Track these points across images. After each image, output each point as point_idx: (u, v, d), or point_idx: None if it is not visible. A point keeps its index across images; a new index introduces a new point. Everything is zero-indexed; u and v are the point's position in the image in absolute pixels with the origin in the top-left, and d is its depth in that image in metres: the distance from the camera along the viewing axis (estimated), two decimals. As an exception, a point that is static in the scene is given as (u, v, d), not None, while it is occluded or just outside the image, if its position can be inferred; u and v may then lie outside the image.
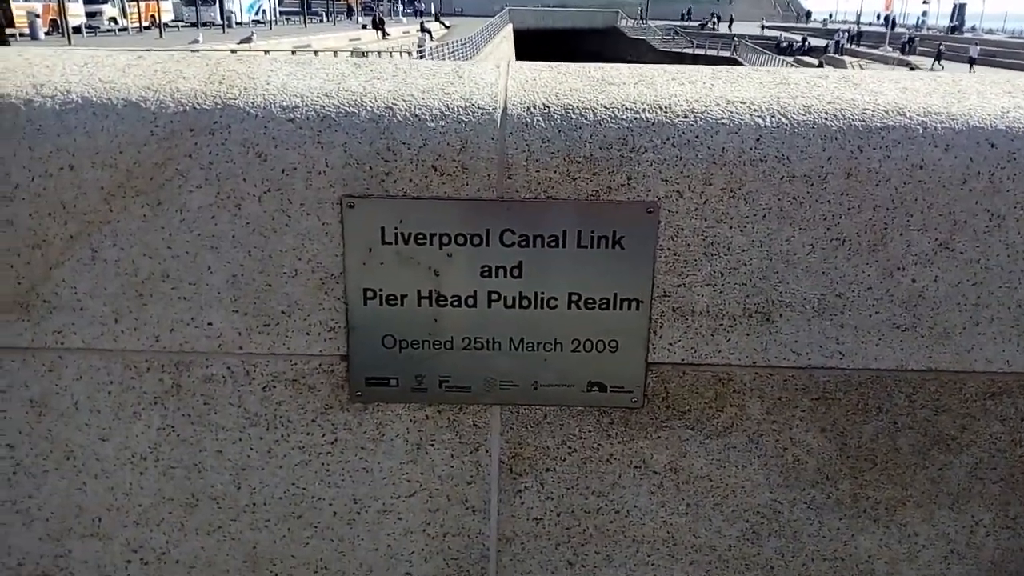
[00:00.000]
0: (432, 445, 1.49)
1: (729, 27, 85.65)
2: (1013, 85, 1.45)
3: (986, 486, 1.52)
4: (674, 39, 75.90)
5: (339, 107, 1.29)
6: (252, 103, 1.30)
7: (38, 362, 1.40)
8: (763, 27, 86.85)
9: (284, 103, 1.30)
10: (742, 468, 1.51)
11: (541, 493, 1.53)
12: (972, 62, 45.97)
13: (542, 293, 1.38)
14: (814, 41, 66.49)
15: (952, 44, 59.48)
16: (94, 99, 1.29)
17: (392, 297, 1.38)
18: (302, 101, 1.30)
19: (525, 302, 1.39)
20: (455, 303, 1.38)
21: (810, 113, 1.32)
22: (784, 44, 64.96)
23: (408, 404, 1.46)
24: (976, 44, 54.42)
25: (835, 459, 1.50)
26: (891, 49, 60.36)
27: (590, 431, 1.49)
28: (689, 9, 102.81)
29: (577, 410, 1.48)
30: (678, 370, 1.44)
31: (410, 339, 1.41)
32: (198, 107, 1.29)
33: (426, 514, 1.54)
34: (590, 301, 1.39)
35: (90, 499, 1.50)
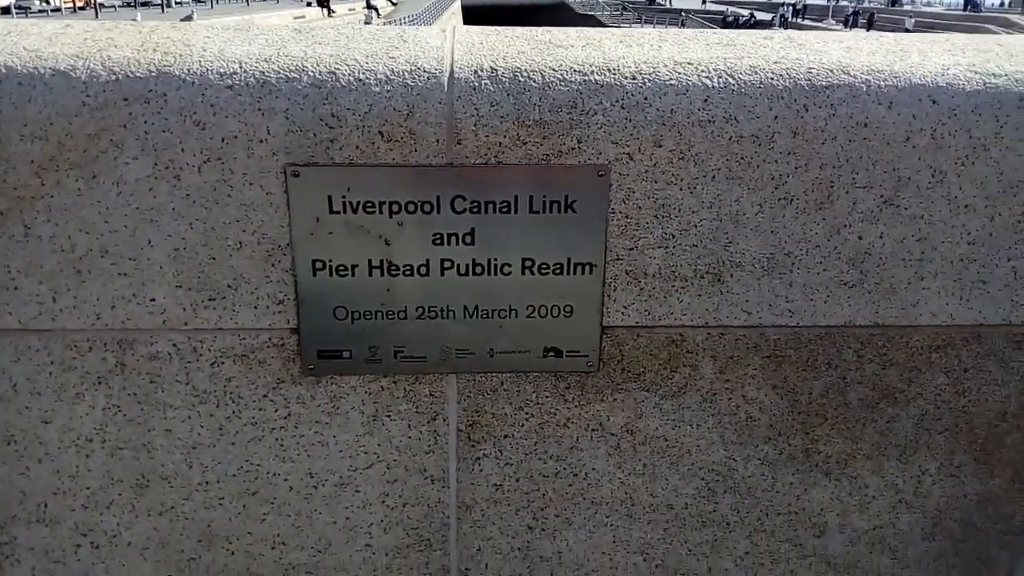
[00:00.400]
0: (389, 416, 1.47)
1: (669, 1, 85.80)
2: (952, 43, 1.47)
3: (932, 436, 1.56)
4: (623, 14, 75.98)
5: (279, 73, 1.26)
6: (188, 70, 1.25)
7: (-28, 345, 1.35)
8: (704, 0, 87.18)
9: (222, 70, 1.25)
10: (696, 427, 1.52)
11: (500, 460, 1.53)
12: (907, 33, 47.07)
13: (495, 260, 1.37)
14: (759, 15, 67.17)
15: (890, 16, 60.85)
16: (19, 68, 1.23)
17: (342, 267, 1.35)
18: (240, 67, 1.26)
19: (478, 269, 1.37)
20: (407, 272, 1.36)
21: (757, 73, 1.32)
22: (731, 18, 65.51)
23: (363, 376, 1.44)
24: (911, 16, 55.80)
25: (787, 415, 1.53)
26: (835, 22, 61.30)
27: (547, 396, 1.49)
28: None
29: (534, 376, 1.47)
30: (632, 333, 1.45)
31: (363, 310, 1.39)
32: (131, 75, 1.24)
33: (384, 485, 1.53)
34: (544, 266, 1.38)
35: (34, 484, 1.46)
